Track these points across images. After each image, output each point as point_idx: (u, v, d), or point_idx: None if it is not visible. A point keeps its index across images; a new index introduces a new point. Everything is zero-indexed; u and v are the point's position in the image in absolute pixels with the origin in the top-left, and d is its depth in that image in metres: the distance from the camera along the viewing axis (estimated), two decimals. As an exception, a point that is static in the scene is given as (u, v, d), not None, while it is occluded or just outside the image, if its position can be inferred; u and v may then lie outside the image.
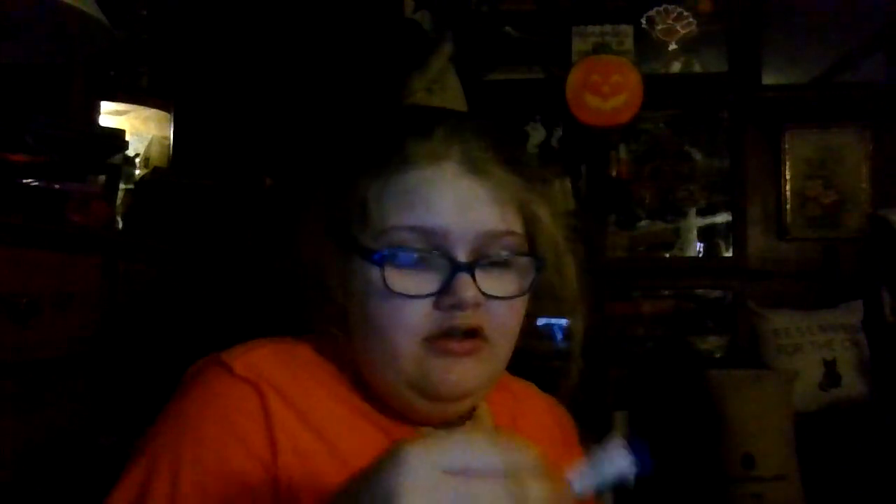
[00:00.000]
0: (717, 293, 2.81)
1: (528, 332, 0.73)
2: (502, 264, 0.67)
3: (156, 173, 2.01)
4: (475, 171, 0.68)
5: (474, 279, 0.64)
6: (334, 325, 0.69)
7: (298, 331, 0.72)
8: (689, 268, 2.83)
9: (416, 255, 0.65)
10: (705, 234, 2.85)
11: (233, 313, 1.61)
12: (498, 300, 0.66)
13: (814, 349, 2.54)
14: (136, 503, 0.58)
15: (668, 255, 2.85)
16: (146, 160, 2.13)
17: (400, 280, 0.64)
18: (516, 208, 0.70)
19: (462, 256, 0.65)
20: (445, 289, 0.64)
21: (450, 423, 0.70)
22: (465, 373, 0.65)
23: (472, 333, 0.65)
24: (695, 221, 2.85)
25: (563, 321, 0.80)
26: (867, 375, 2.52)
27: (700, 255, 2.84)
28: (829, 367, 2.53)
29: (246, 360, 0.64)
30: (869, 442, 2.32)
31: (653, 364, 2.73)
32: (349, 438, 0.64)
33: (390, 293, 0.63)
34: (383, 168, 0.69)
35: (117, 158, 1.74)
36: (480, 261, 0.65)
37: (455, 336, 0.64)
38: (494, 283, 0.66)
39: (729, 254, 2.80)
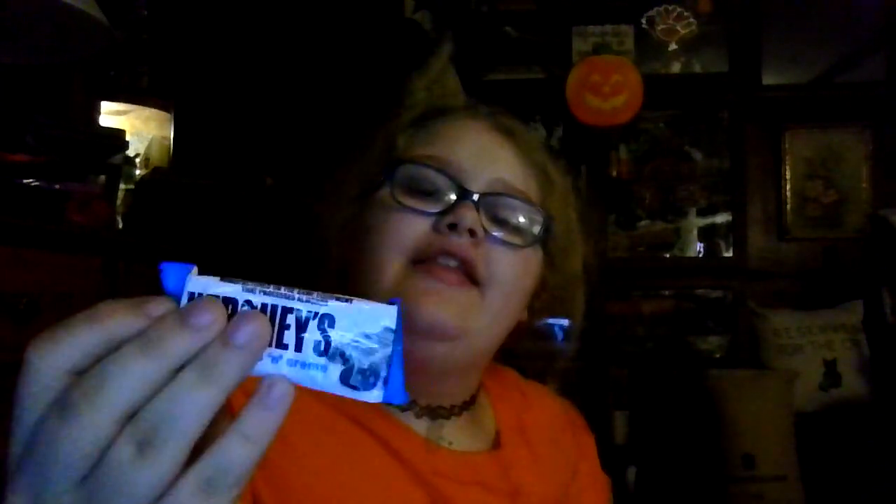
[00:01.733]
0: (717, 293, 2.81)
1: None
2: (508, 213, 0.65)
3: (156, 173, 2.01)
4: (504, 128, 0.69)
5: (478, 211, 0.62)
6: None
7: None
8: (689, 268, 2.83)
9: (427, 174, 0.63)
10: (705, 234, 2.84)
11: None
12: (500, 246, 0.63)
13: (814, 349, 2.54)
14: None
15: (668, 255, 2.85)
16: (146, 160, 2.13)
17: (405, 197, 0.62)
18: (535, 173, 0.69)
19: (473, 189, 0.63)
20: (447, 210, 0.62)
21: (442, 411, 0.67)
22: (445, 303, 0.59)
23: (464, 267, 0.61)
24: (695, 221, 2.85)
25: (565, 321, 0.78)
26: (867, 375, 2.52)
27: (700, 255, 2.84)
28: (829, 367, 2.53)
29: None
30: (869, 442, 2.32)
31: (653, 364, 2.73)
32: (324, 439, 0.59)
33: (392, 207, 0.62)
34: (418, 119, 0.69)
35: (117, 158, 1.74)
36: (488, 197, 0.63)
37: (447, 263, 0.60)
38: (500, 229, 0.64)
39: (729, 254, 2.80)
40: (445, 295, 0.60)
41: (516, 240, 0.64)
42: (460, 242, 0.60)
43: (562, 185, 0.73)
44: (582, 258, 0.74)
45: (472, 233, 0.61)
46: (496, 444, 0.70)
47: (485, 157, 0.66)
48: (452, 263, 0.61)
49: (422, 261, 0.61)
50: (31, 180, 1.37)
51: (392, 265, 0.61)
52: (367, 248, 0.63)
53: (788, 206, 2.77)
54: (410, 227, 0.61)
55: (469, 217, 0.60)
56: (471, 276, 0.61)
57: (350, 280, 0.66)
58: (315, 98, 2.42)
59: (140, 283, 1.55)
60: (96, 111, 1.98)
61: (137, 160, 2.08)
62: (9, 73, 1.58)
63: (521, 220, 0.65)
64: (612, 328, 2.68)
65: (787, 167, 2.78)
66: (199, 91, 2.33)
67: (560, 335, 0.78)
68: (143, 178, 1.97)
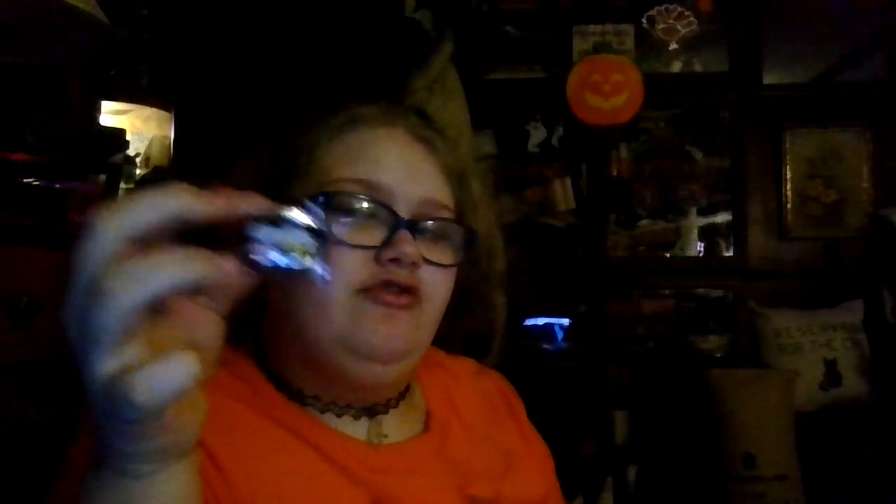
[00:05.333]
0: (717, 293, 2.81)
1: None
2: (437, 234, 0.67)
3: (156, 172, 2.01)
4: (422, 140, 0.70)
5: (415, 238, 0.64)
6: (251, 313, 0.66)
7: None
8: (689, 267, 2.83)
9: (361, 205, 0.64)
10: (706, 233, 2.84)
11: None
12: (433, 266, 0.66)
13: (814, 349, 2.54)
14: None
15: (668, 255, 2.85)
16: (147, 159, 2.13)
17: (340, 230, 0.62)
18: (454, 182, 0.72)
19: (404, 216, 0.65)
20: (387, 242, 0.63)
21: (380, 408, 0.69)
22: (397, 328, 0.63)
23: (409, 292, 0.64)
24: (695, 221, 2.85)
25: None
26: (867, 375, 2.52)
27: (701, 254, 2.84)
28: (830, 366, 2.53)
29: None
30: (869, 442, 2.32)
31: (653, 364, 2.73)
32: (274, 454, 0.61)
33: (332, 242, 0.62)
34: (332, 123, 0.69)
35: (118, 158, 1.74)
36: (420, 223, 0.66)
37: (392, 290, 0.63)
38: (430, 249, 0.66)
39: (730, 253, 2.80)
40: (398, 320, 0.63)
41: (446, 259, 0.67)
42: (401, 272, 0.63)
43: (479, 186, 0.75)
44: (504, 255, 0.77)
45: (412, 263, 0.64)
46: (427, 425, 0.73)
47: (412, 175, 0.67)
48: (394, 290, 0.63)
49: (365, 289, 0.63)
50: (31, 179, 1.37)
51: (341, 299, 0.62)
52: (304, 283, 0.63)
53: (789, 206, 2.77)
54: (353, 263, 0.62)
55: (410, 251, 0.63)
56: (415, 295, 0.65)
57: (279, 312, 0.65)
58: (315, 98, 2.41)
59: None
60: (97, 110, 1.98)
61: (138, 159, 2.08)
62: (9, 73, 1.58)
63: (450, 240, 0.68)
64: (613, 328, 2.68)
65: (788, 167, 2.78)
66: (199, 90, 2.33)
67: (485, 312, 0.80)
68: (143, 177, 1.97)
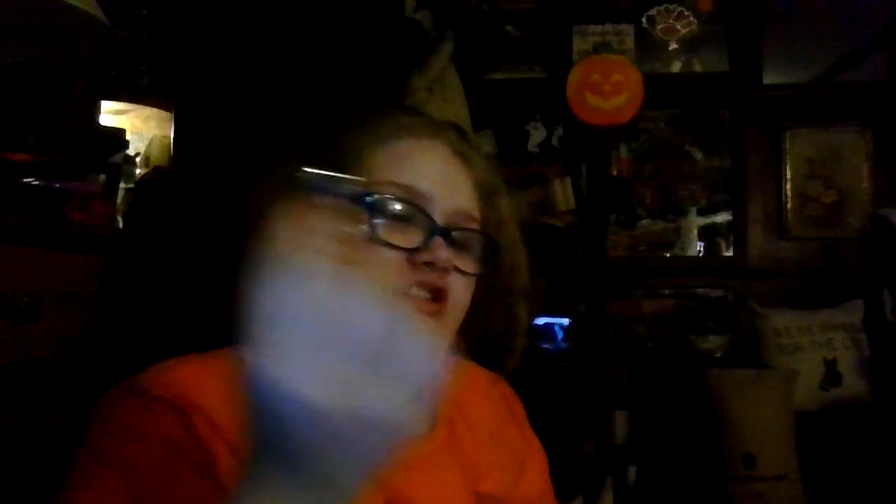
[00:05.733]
0: (717, 292, 2.81)
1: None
2: (464, 243, 0.72)
3: (156, 172, 2.01)
4: (460, 154, 0.75)
5: (448, 245, 0.69)
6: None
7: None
8: (689, 267, 2.83)
9: (402, 208, 0.68)
10: (706, 233, 2.84)
11: (233, 311, 1.60)
12: (458, 273, 0.70)
13: (814, 348, 2.54)
14: None
15: (668, 255, 2.85)
16: (147, 159, 2.13)
17: (384, 231, 0.66)
18: (485, 197, 0.76)
19: (439, 223, 0.69)
20: (423, 246, 0.67)
21: None
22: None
23: (438, 296, 0.68)
24: (695, 221, 2.85)
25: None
26: (867, 375, 2.52)
27: (700, 254, 2.84)
28: (830, 366, 2.53)
29: (163, 381, 0.59)
30: (869, 442, 2.32)
31: (653, 364, 2.73)
32: None
33: (370, 239, 0.65)
34: (381, 130, 0.73)
35: (118, 157, 1.74)
36: (452, 231, 0.70)
37: (416, 293, 0.67)
38: (457, 257, 0.70)
39: (729, 253, 2.80)
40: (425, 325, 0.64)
41: (470, 268, 0.72)
42: (433, 275, 0.67)
43: (507, 203, 0.80)
44: (528, 270, 0.81)
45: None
46: (434, 423, 0.74)
47: (448, 186, 0.72)
48: (424, 294, 0.67)
49: (400, 290, 0.66)
50: (31, 179, 1.36)
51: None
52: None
53: (789, 206, 2.77)
54: (389, 262, 0.66)
55: (444, 256, 0.67)
56: (439, 306, 0.68)
57: None
58: (315, 98, 2.42)
59: (141, 282, 1.55)
60: (97, 110, 1.97)
61: (138, 159, 2.08)
62: (9, 73, 1.58)
63: (475, 250, 0.73)
64: (613, 328, 2.68)
65: (788, 167, 2.78)
66: (199, 90, 2.33)
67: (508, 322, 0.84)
68: (143, 177, 1.97)
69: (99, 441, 0.58)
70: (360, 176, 0.68)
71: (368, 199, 0.65)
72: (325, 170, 0.66)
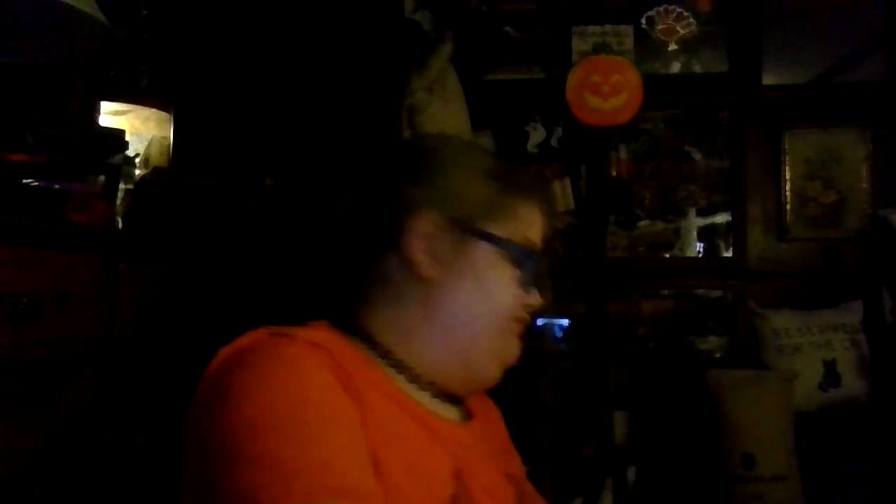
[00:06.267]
0: (717, 293, 2.81)
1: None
2: None
3: (156, 173, 2.01)
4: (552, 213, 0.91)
5: None
6: (405, 299, 0.79)
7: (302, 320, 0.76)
8: (689, 268, 2.84)
9: (536, 261, 0.83)
10: (705, 234, 2.85)
11: (233, 312, 1.61)
12: None
13: (814, 349, 2.54)
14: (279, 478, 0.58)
15: (668, 255, 2.85)
16: (146, 160, 2.13)
17: (517, 277, 0.81)
18: None
19: None
20: (529, 292, 0.83)
21: (455, 396, 0.83)
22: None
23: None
24: (695, 221, 2.85)
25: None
26: (867, 375, 2.52)
27: (700, 255, 2.84)
28: (829, 367, 2.53)
29: (307, 334, 0.69)
30: (868, 442, 2.32)
31: (653, 364, 2.73)
32: (392, 428, 0.70)
33: (505, 277, 0.80)
34: (535, 192, 0.87)
35: (117, 158, 1.74)
36: None
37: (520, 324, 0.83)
38: None
39: (729, 254, 2.80)
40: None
41: None
42: (526, 315, 0.83)
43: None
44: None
45: None
46: (469, 414, 0.85)
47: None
48: (517, 327, 0.83)
49: (511, 319, 0.82)
50: (30, 180, 1.37)
51: (503, 323, 0.81)
52: (466, 291, 0.79)
53: (788, 206, 2.77)
54: (512, 301, 0.81)
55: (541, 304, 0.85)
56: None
57: (433, 319, 0.80)
58: (315, 98, 2.42)
59: (140, 282, 1.56)
60: (96, 111, 1.98)
61: (137, 160, 2.08)
62: (9, 73, 1.58)
63: None
64: (612, 328, 2.68)
65: (787, 167, 2.78)
66: (199, 91, 2.33)
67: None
68: (142, 177, 1.97)
69: (274, 376, 0.63)
70: (512, 223, 0.81)
71: (523, 254, 0.81)
72: (469, 215, 0.80)
